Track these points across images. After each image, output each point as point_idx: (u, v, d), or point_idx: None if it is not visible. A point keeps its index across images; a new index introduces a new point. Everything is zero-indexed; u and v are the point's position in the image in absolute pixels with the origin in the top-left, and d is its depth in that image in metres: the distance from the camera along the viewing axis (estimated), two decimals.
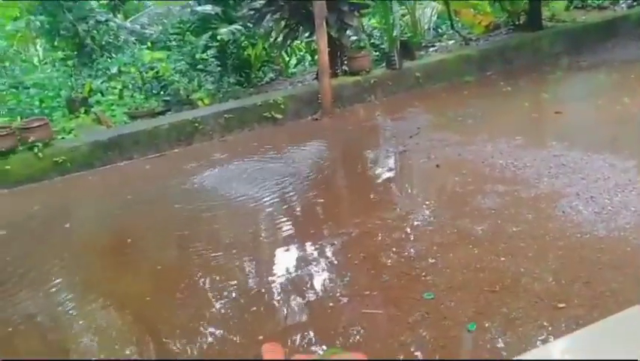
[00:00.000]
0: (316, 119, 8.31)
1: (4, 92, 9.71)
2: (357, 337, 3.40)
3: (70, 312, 4.22)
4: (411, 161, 6.22)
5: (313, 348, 3.38)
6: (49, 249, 5.33)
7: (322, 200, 5.62)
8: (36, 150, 7.14)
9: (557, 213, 4.44)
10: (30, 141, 7.16)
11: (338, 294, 3.86)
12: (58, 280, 4.67)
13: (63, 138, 7.77)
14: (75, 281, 4.74)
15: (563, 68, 9.49)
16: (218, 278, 4.33)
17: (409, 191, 5.72)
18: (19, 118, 8.30)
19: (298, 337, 3.50)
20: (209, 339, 3.64)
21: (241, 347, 3.48)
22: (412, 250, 4.24)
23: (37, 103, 9.28)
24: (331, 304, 3.76)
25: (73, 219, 6.03)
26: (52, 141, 7.39)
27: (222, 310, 3.92)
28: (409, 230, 4.57)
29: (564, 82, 8.90)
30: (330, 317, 3.63)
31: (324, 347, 3.35)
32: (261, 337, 3.49)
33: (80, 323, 4.06)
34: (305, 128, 8.14)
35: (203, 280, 4.36)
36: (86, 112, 8.64)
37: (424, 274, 3.90)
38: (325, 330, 3.52)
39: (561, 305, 3.34)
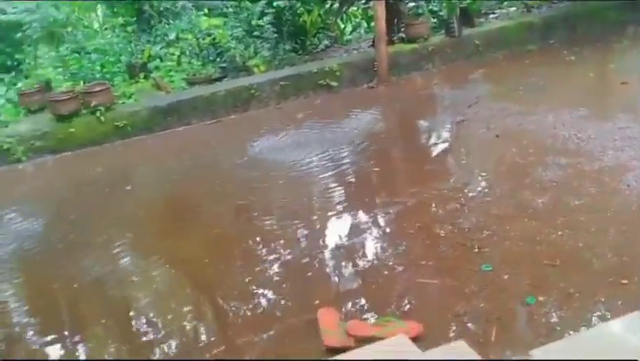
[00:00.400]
0: (372, 87, 8.23)
1: (68, 57, 9.98)
2: (411, 306, 3.41)
3: (131, 273, 4.37)
4: (469, 131, 6.11)
5: (367, 315, 3.40)
6: (112, 211, 5.51)
7: (377, 169, 5.60)
8: (98, 113, 7.35)
9: (622, 187, 4.31)
10: (92, 105, 7.37)
11: (392, 263, 3.86)
12: (119, 243, 4.83)
13: (124, 102, 7.96)
14: (136, 243, 4.90)
15: (630, 38, 9.08)
16: (273, 244, 4.39)
17: (467, 161, 5.62)
18: (82, 82, 8.53)
19: (352, 303, 3.53)
20: (264, 302, 3.71)
21: (295, 311, 3.54)
22: (468, 222, 4.19)
23: (98, 68, 9.52)
24: (386, 272, 3.77)
25: (134, 182, 6.20)
26: (113, 106, 7.58)
27: (277, 275, 3.99)
28: (465, 201, 4.51)
29: (630, 52, 8.54)
30: (385, 285, 3.64)
31: (377, 315, 3.37)
32: (317, 301, 3.54)
33: (141, 284, 4.21)
34: (360, 96, 8.08)
35: (259, 245, 4.44)
36: (145, 77, 8.81)
37: (479, 245, 3.86)
38: (379, 298, 3.54)
39: (624, 281, 3.25)
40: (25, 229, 5.35)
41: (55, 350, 3.59)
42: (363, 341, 3.02)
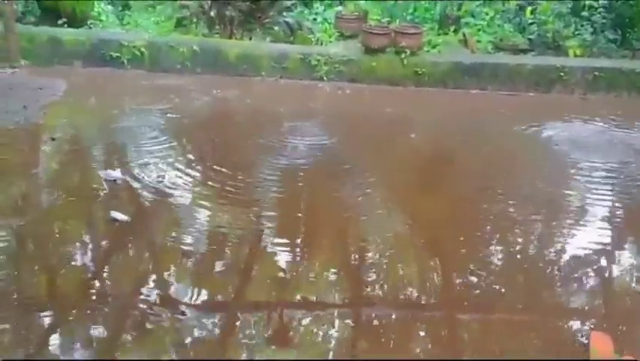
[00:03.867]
0: None
1: None
2: None
3: (367, 213, 4.47)
4: None
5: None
6: (392, 154, 5.67)
7: None
8: (403, 55, 7.48)
9: None
10: (400, 45, 7.50)
11: None
12: (373, 179, 5.02)
13: (428, 51, 7.98)
14: (393, 187, 5.03)
15: None
16: (513, 235, 4.26)
17: None
18: (397, 21, 8.73)
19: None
20: (489, 289, 3.61)
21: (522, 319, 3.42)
22: None
23: (410, 10, 9.59)
24: None
25: (417, 131, 6.27)
26: (418, 51, 7.64)
27: (508, 268, 3.89)
28: None
29: None
30: None
31: None
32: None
33: (372, 225, 4.33)
34: None
35: (493, 229, 4.35)
36: (454, 31, 8.71)
37: None
38: None
39: None
40: (310, 144, 5.65)
41: (281, 252, 3.86)
42: None
